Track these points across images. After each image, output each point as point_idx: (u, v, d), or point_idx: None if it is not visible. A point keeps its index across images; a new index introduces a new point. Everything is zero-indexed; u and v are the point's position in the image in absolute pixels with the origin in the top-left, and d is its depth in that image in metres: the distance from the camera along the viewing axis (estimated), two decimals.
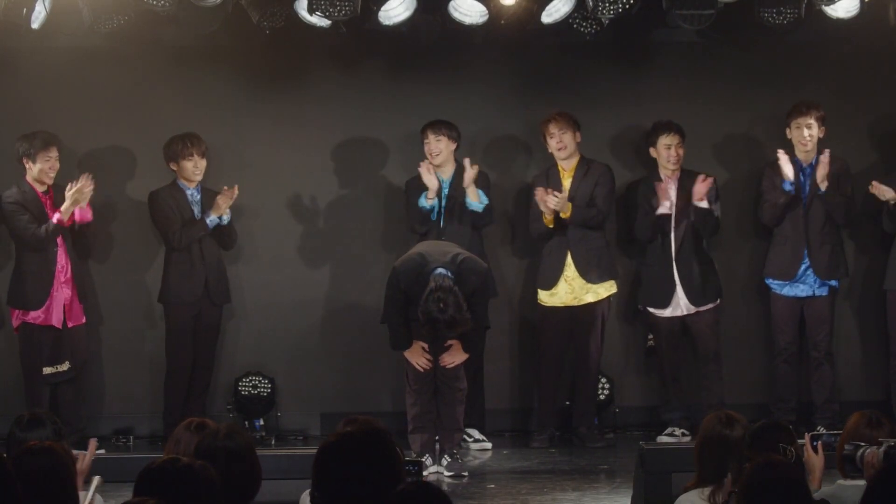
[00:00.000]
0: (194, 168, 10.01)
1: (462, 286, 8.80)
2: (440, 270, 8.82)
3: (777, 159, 9.99)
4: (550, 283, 10.11)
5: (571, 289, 10.07)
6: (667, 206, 10.02)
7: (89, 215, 9.81)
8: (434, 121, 10.07)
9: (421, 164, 9.98)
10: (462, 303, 8.71)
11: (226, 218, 10.04)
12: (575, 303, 10.08)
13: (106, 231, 10.38)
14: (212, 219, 9.99)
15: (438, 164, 10.01)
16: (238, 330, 10.54)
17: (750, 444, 5.54)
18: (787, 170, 9.94)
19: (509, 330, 10.57)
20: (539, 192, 9.94)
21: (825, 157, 9.91)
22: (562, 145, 10.09)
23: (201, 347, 10.14)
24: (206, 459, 4.64)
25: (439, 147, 10.01)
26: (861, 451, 5.32)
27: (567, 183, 10.13)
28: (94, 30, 9.54)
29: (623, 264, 10.57)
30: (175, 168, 10.05)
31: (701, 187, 9.94)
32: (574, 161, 10.17)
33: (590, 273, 10.06)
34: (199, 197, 10.10)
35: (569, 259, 10.07)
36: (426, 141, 10.03)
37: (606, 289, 10.12)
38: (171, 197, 10.05)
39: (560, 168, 10.19)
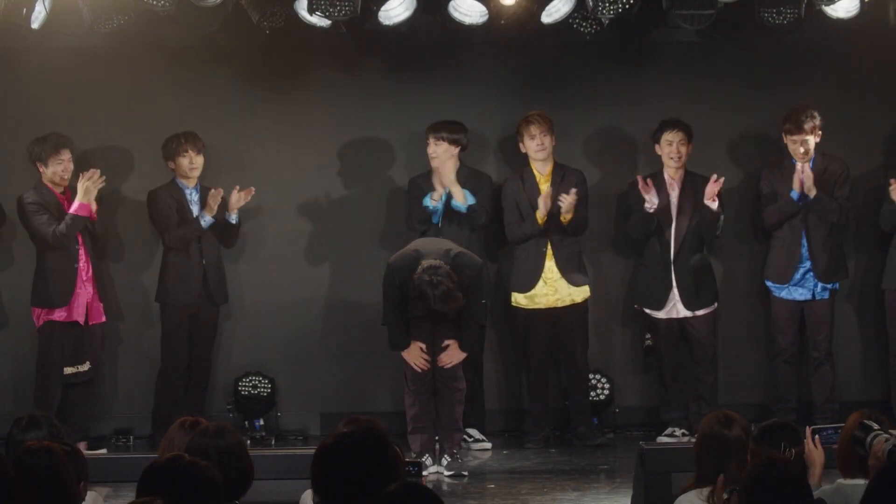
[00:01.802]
0: (190, 164, 9.99)
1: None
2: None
3: (779, 164, 10.02)
4: (528, 286, 10.09)
5: (554, 290, 10.06)
6: (653, 204, 9.99)
7: (93, 212, 9.79)
8: (437, 123, 10.04)
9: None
10: (454, 277, 8.71)
11: (234, 217, 10.03)
12: (558, 304, 10.08)
13: (108, 231, 10.39)
14: (207, 219, 9.98)
15: (436, 166, 10.01)
16: (238, 330, 10.54)
17: (756, 441, 5.55)
18: (797, 180, 9.92)
19: (500, 331, 10.56)
20: (564, 197, 9.89)
21: (807, 171, 9.89)
22: (542, 147, 10.05)
23: (199, 347, 10.14)
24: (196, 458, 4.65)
25: (437, 151, 10.00)
26: (872, 435, 5.30)
27: (544, 188, 10.10)
28: (94, 30, 9.54)
29: (618, 263, 10.58)
30: (172, 166, 10.04)
31: (713, 187, 9.92)
32: (549, 165, 10.15)
33: (570, 275, 10.05)
34: (197, 196, 10.09)
35: (549, 262, 10.05)
36: (428, 143, 10.02)
37: (585, 291, 10.12)
38: (169, 196, 10.04)
39: (535, 172, 10.15)
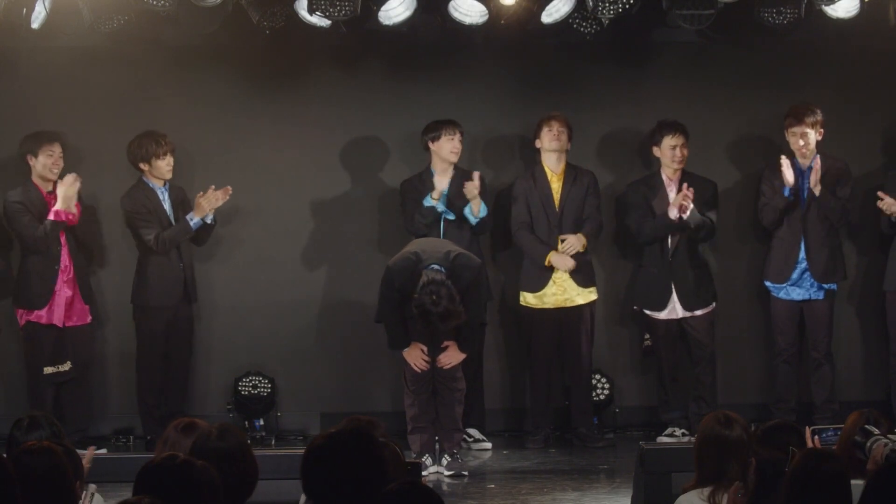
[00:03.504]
0: (168, 166, 9.98)
1: (455, 282, 8.81)
2: (433, 266, 8.84)
3: (777, 163, 10.00)
4: (539, 286, 10.10)
5: (563, 290, 10.07)
6: (675, 214, 9.99)
7: (72, 216, 9.75)
8: (449, 120, 10.02)
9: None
10: (455, 295, 8.72)
11: (211, 217, 10.01)
12: (566, 304, 10.08)
13: (107, 231, 10.37)
14: (195, 221, 9.96)
15: (453, 161, 10.02)
16: (237, 330, 10.53)
17: (760, 442, 5.54)
18: (788, 175, 9.91)
19: (503, 330, 10.56)
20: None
21: (816, 163, 9.90)
22: (556, 137, 10.03)
23: (177, 346, 10.11)
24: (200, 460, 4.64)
25: (459, 146, 10.01)
26: (871, 440, 5.31)
27: (556, 186, 10.11)
28: (94, 30, 9.55)
29: (618, 265, 10.58)
30: (146, 168, 9.96)
31: (677, 199, 9.93)
32: (562, 164, 10.15)
33: (580, 276, 10.06)
34: (167, 196, 10.07)
35: None
36: (450, 138, 9.99)
37: (592, 292, 10.14)
38: (145, 198, 10.01)
39: (547, 170, 10.15)
